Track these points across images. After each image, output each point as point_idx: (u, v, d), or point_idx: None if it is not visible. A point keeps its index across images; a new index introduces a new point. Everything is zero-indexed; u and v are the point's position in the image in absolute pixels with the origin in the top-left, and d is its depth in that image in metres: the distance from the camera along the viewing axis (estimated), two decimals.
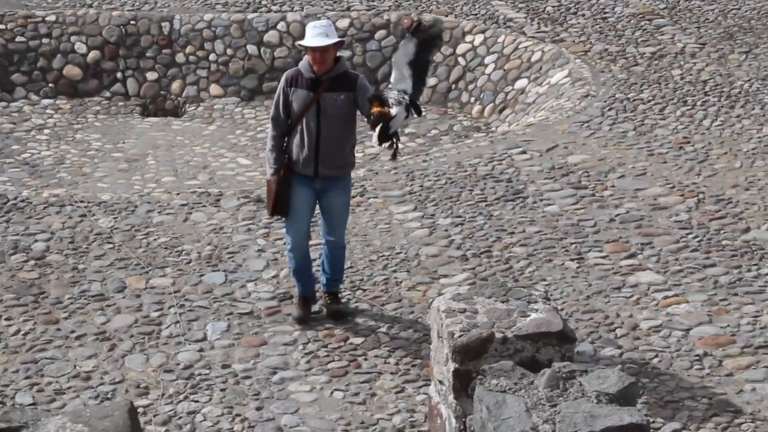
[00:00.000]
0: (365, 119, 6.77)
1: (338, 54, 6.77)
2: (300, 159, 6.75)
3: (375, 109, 6.58)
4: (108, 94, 12.14)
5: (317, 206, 6.97)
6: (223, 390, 6.42)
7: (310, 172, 6.76)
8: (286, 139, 6.81)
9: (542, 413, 3.92)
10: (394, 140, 6.72)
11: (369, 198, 8.78)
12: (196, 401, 6.32)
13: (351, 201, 7.37)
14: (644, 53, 11.49)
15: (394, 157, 6.90)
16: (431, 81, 12.24)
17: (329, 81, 6.67)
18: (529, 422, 3.85)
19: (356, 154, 10.59)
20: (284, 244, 7.07)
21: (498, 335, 4.67)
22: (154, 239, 8.15)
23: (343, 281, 7.18)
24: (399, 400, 6.30)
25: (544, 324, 4.71)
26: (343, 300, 7.17)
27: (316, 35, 6.63)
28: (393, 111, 6.58)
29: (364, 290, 7.40)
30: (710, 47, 11.57)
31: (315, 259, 7.22)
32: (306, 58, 6.76)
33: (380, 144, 6.73)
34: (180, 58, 12.32)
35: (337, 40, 6.69)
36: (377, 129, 6.60)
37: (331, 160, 6.76)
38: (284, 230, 7.03)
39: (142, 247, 8.04)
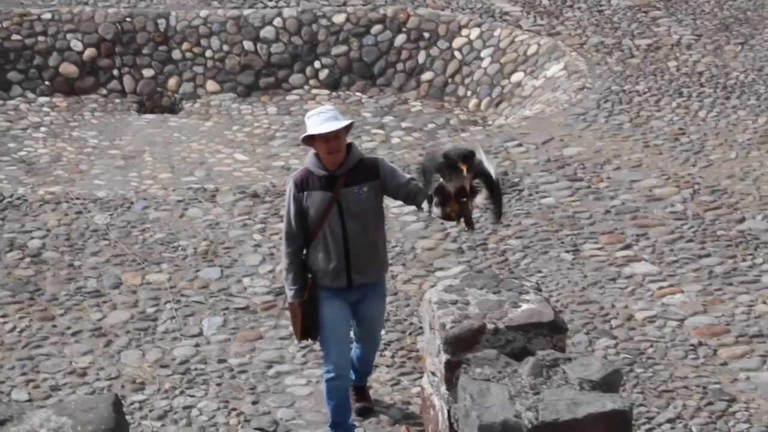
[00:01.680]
0: (405, 202, 5.88)
1: (348, 140, 5.78)
2: (328, 272, 5.71)
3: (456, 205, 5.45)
4: (104, 92, 12.14)
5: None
6: (219, 384, 6.43)
7: (343, 284, 5.72)
8: (304, 252, 5.80)
9: (525, 401, 3.93)
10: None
11: None
12: (192, 396, 6.34)
13: None
14: (640, 45, 11.48)
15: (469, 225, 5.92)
16: (427, 75, 12.25)
17: (346, 174, 5.68)
18: (512, 410, 3.86)
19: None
20: (323, 374, 5.93)
21: (489, 326, 4.68)
22: (150, 235, 8.17)
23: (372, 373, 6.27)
24: (395, 392, 6.31)
25: (536, 314, 4.71)
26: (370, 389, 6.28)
27: (324, 121, 5.63)
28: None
29: None
30: (706, 39, 11.56)
31: None
32: (311, 156, 5.76)
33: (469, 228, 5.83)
34: (176, 54, 12.32)
35: (349, 121, 5.74)
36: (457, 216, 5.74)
37: (366, 264, 5.73)
38: (324, 358, 5.91)
39: (138, 243, 8.05)
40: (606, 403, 3.81)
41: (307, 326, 5.77)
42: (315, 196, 5.70)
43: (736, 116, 9.82)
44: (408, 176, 5.88)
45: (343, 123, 5.66)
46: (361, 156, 5.79)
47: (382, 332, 6.50)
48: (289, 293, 5.80)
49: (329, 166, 5.70)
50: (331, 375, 5.82)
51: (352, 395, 6.13)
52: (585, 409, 3.83)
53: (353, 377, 6.10)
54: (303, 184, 5.74)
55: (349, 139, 5.83)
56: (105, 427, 4.15)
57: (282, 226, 5.83)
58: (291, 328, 5.92)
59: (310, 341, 6.21)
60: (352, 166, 5.71)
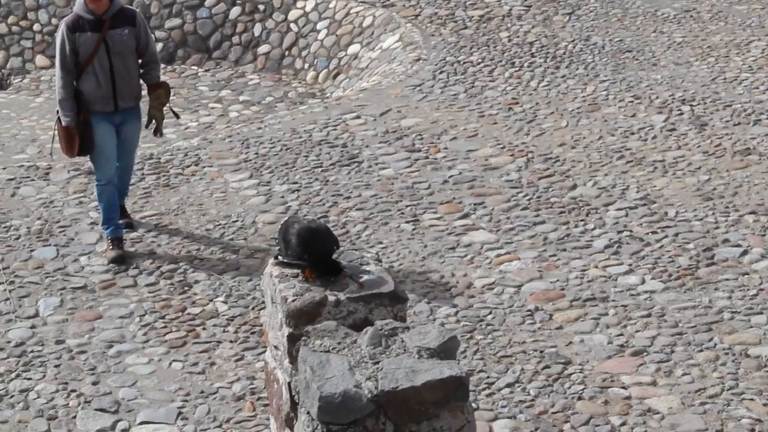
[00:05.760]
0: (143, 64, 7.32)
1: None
2: (98, 98, 7.13)
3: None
4: None
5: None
6: (57, 366, 6.30)
7: (111, 108, 7.18)
8: (74, 83, 7.15)
9: (365, 370, 3.98)
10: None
11: (204, 167, 8.70)
12: (29, 379, 6.19)
13: (185, 169, 8.47)
14: (473, 16, 11.67)
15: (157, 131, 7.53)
16: (264, 48, 12.17)
17: (110, 19, 7.09)
18: (352, 380, 3.90)
19: (191, 123, 10.51)
20: (95, 183, 7.42)
21: (331, 298, 4.70)
22: None
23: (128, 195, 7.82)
24: (239, 368, 6.29)
25: (376, 285, 4.76)
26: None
27: None
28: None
29: (202, 260, 7.36)
30: (535, 9, 11.83)
31: None
32: (81, 3, 7.12)
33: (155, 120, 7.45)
34: (2, 28, 11.93)
35: None
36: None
37: (128, 92, 7.22)
38: (96, 170, 7.38)
39: None
40: (443, 370, 3.89)
41: (84, 144, 7.17)
42: (85, 37, 7.06)
43: (565, 85, 10.09)
44: (156, 51, 7.43)
45: None
46: (122, 5, 7.21)
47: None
48: (66, 118, 7.12)
49: (96, 11, 7.06)
50: (102, 182, 7.32)
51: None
52: (423, 377, 3.91)
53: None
54: (74, 26, 7.08)
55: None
56: None
57: (57, 62, 7.11)
58: (60, 148, 7.29)
59: (83, 157, 7.60)
60: (115, 13, 7.11)
